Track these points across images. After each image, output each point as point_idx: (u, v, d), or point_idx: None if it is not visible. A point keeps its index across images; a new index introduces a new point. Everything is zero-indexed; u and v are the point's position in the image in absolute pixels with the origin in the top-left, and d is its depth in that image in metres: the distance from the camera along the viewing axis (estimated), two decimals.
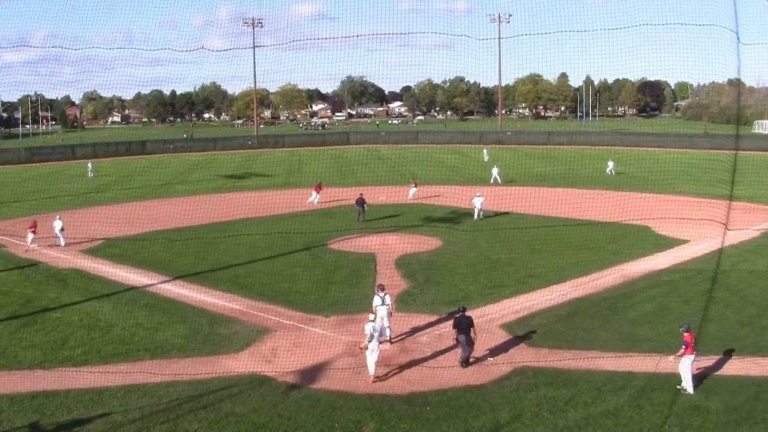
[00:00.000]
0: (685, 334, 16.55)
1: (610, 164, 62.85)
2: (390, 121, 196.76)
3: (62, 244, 33.51)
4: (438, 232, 36.30)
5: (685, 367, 16.32)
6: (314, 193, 47.34)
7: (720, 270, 27.09)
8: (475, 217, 39.80)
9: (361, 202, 39.90)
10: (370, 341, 17.31)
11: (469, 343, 18.16)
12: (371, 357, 17.32)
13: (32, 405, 16.10)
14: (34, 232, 32.35)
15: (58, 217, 34.95)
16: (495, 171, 58.21)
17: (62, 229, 33.81)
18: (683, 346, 16.35)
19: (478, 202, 40.15)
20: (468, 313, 18.58)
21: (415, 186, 48.67)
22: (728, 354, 18.70)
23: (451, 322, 18.93)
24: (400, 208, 43.87)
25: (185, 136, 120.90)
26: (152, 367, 18.35)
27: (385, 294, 20.14)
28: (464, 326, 18.21)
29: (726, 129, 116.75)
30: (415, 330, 21.20)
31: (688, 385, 16.29)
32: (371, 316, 18.26)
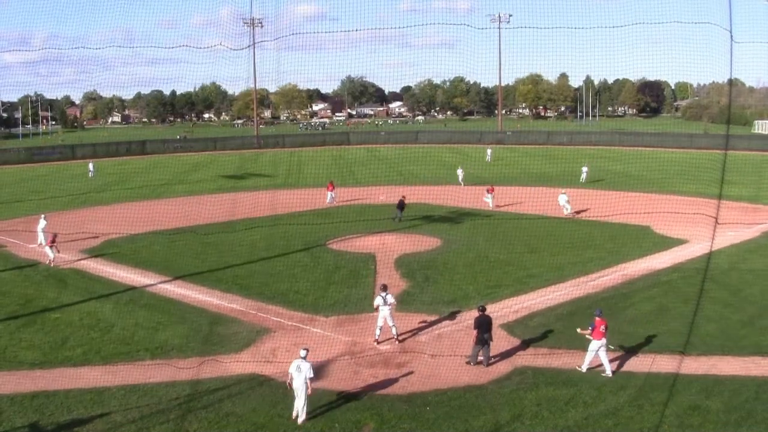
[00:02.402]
0: (596, 319, 17.63)
1: (584, 170, 57.20)
2: (380, 122, 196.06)
3: (43, 243, 33.03)
4: (437, 231, 36.32)
5: (592, 349, 17.51)
6: (329, 193, 47.38)
7: (719, 270, 27.14)
8: (565, 212, 40.69)
9: (402, 204, 39.77)
10: (291, 381, 15.32)
11: (488, 343, 18.30)
12: (299, 400, 15.27)
13: (32, 405, 16.12)
14: (52, 245, 30.62)
15: (42, 216, 34.65)
16: (460, 173, 56.51)
17: (43, 229, 33.41)
18: (590, 327, 17.66)
19: (562, 200, 41.11)
20: (487, 313, 18.73)
21: (491, 192, 45.04)
22: (728, 354, 18.71)
23: (472, 322, 18.86)
24: (407, 208, 43.76)
25: (178, 137, 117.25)
26: (152, 367, 18.37)
27: (387, 294, 20.14)
28: (486, 325, 18.33)
29: (726, 129, 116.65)
30: (415, 330, 21.21)
31: (607, 367, 17.39)
32: (302, 352, 15.60)
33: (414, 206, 44.70)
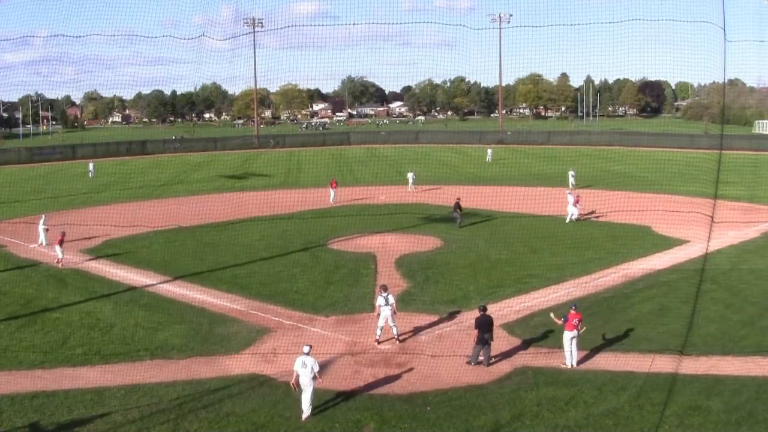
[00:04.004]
0: (570, 312, 18.31)
1: (571, 174, 53.21)
2: (380, 122, 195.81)
3: (43, 243, 33.03)
4: (438, 232, 36.29)
5: (565, 340, 18.12)
6: (331, 191, 47.18)
7: (720, 270, 27.14)
8: (568, 218, 38.99)
9: (458, 206, 38.39)
10: (297, 379, 15.50)
11: (489, 343, 18.33)
12: (305, 395, 15.45)
13: (32, 405, 16.12)
14: (61, 244, 30.20)
15: (43, 216, 34.74)
16: (410, 176, 53.45)
17: (46, 230, 33.30)
18: (563, 319, 18.34)
19: (571, 200, 39.70)
20: (488, 313, 18.77)
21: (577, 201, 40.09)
22: (729, 354, 18.70)
23: (473, 322, 18.87)
24: (407, 208, 43.78)
25: (174, 137, 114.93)
26: (152, 367, 18.37)
27: (389, 294, 20.14)
28: (487, 325, 18.36)
29: (726, 129, 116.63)
30: (415, 330, 21.20)
31: (568, 358, 18.03)
32: (305, 348, 15.76)
33: (422, 206, 44.75)
